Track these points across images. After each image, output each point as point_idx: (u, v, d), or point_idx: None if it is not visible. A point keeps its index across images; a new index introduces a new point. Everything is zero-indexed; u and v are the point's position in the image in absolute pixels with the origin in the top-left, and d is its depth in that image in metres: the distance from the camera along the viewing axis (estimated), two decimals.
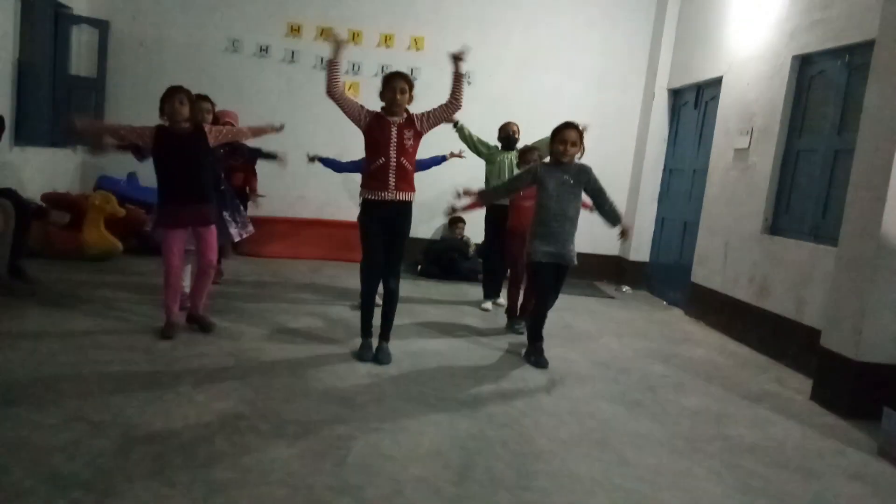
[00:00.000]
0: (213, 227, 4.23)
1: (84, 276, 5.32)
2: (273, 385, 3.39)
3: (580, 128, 4.24)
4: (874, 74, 3.95)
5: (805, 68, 5.23)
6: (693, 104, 7.11)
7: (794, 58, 5.24)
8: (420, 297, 5.96)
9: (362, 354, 4.00)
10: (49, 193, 6.05)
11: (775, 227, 5.38)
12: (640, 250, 7.78)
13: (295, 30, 7.36)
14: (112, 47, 7.01)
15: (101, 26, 6.88)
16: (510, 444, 2.98)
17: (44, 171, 6.35)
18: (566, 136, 4.19)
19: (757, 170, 5.56)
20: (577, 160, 4.28)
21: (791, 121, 5.32)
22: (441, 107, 4.05)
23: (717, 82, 6.45)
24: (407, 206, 4.02)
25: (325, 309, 5.16)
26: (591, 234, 6.07)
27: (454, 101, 4.05)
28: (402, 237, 4.06)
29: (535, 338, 4.29)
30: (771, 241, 5.30)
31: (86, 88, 6.87)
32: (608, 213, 4.27)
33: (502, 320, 5.33)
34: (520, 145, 5.95)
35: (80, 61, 6.92)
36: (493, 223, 5.78)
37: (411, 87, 4.03)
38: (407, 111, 4.06)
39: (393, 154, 3.94)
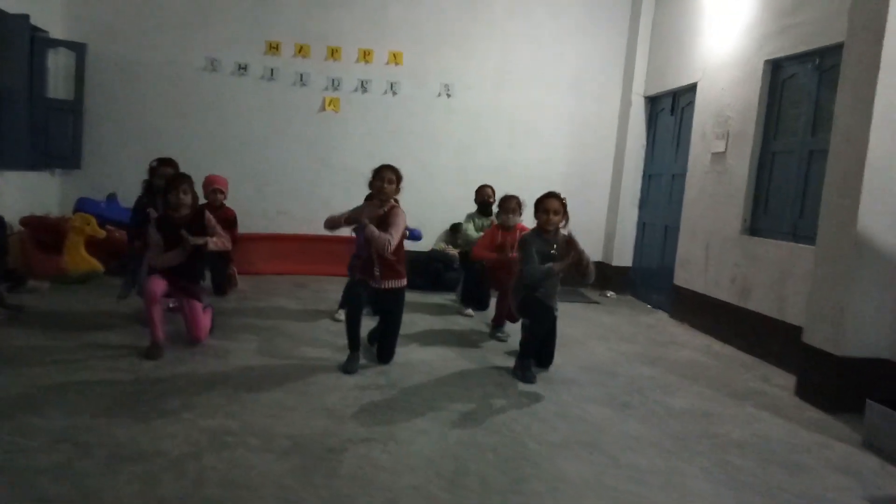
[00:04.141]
0: (199, 304, 4.26)
1: (66, 299, 5.26)
2: (261, 400, 3.37)
3: (562, 197, 4.25)
4: (844, 77, 4.05)
5: (777, 72, 5.34)
6: (669, 110, 7.22)
7: (766, 62, 5.36)
8: (407, 308, 5.92)
9: (349, 367, 3.99)
10: (28, 217, 5.99)
11: (754, 227, 5.47)
12: (622, 255, 7.86)
13: (273, 47, 7.38)
14: (90, 69, 6.98)
15: (79, 49, 6.85)
16: (501, 450, 2.98)
17: (22, 194, 6.29)
18: (549, 205, 4.20)
19: (734, 172, 5.65)
20: (561, 229, 4.28)
21: (766, 123, 5.42)
22: (380, 236, 3.97)
23: (692, 88, 6.57)
24: (397, 291, 4.18)
25: (311, 323, 5.15)
26: None
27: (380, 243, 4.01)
28: (395, 318, 4.22)
29: (525, 355, 4.19)
30: (751, 242, 5.38)
31: (63, 111, 6.81)
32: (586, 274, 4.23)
33: (488, 328, 5.35)
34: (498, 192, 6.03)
35: (58, 84, 6.87)
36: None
37: (399, 178, 4.11)
38: (395, 201, 4.14)
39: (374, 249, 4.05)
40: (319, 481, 2.55)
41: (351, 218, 4.14)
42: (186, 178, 4.23)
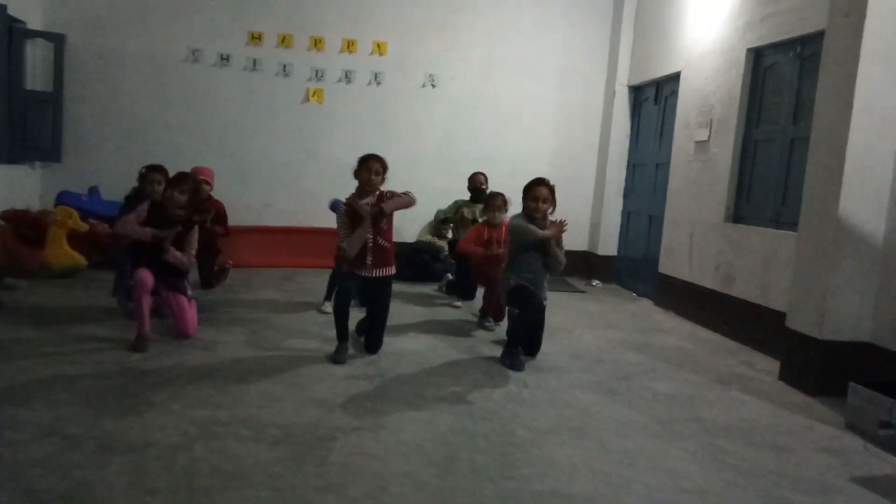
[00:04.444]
0: (185, 299, 4.25)
1: (50, 293, 5.20)
2: (250, 391, 3.37)
3: (550, 184, 4.27)
4: (825, 64, 4.10)
5: (759, 60, 5.39)
6: (653, 100, 7.26)
7: (749, 51, 5.40)
8: (393, 299, 5.91)
9: (338, 357, 3.99)
10: (9, 211, 5.91)
11: (737, 215, 5.53)
12: (608, 245, 7.92)
13: (256, 38, 7.31)
14: (69, 61, 6.87)
15: (57, 40, 6.74)
16: (491, 437, 3.00)
17: (3, 188, 6.19)
18: (538, 192, 4.23)
19: (717, 161, 5.70)
20: (549, 216, 4.31)
21: (748, 112, 5.48)
22: (400, 197, 4.12)
23: (675, 77, 6.60)
24: (386, 280, 4.22)
25: (298, 315, 5.13)
26: None
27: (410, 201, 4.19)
28: (383, 308, 4.25)
29: (513, 343, 4.21)
30: (734, 230, 5.44)
31: (42, 103, 6.71)
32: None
33: (475, 319, 5.37)
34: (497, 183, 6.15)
35: (36, 76, 6.77)
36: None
37: (385, 168, 4.15)
38: (379, 190, 4.16)
39: (369, 235, 4.07)
40: (310, 470, 2.56)
41: (354, 236, 4.07)
42: (188, 179, 4.25)
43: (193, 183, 4.29)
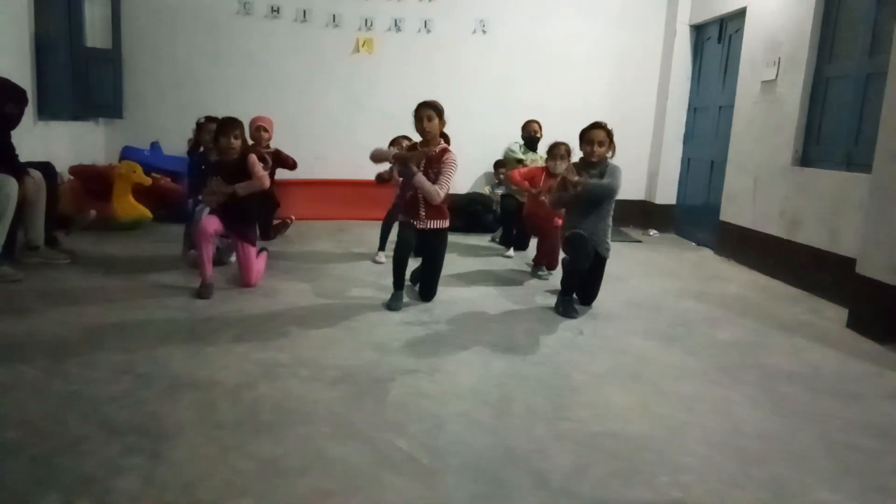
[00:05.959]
0: (253, 249, 4.36)
1: (117, 245, 5.42)
2: (309, 335, 3.46)
3: (608, 127, 4.15)
4: None
5: None
6: (717, 39, 6.91)
7: None
8: (447, 249, 5.94)
9: (394, 305, 4.04)
10: (76, 166, 6.13)
11: (806, 158, 5.27)
12: (666, 193, 7.69)
13: None
14: (125, 17, 6.99)
15: None
16: (546, 380, 3.01)
17: (69, 144, 6.41)
18: (593, 136, 4.13)
19: (785, 101, 5.41)
20: (609, 160, 4.19)
21: (819, 47, 5.15)
22: (433, 180, 4.07)
23: (740, 14, 6.25)
24: (440, 231, 4.23)
25: (354, 265, 5.21)
26: None
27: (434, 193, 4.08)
28: (438, 258, 4.26)
29: (566, 291, 4.18)
30: (802, 173, 5.19)
31: (103, 60, 6.87)
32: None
33: (529, 269, 5.33)
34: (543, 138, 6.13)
35: (95, 33, 6.91)
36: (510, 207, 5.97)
37: (439, 112, 4.10)
38: (446, 141, 4.19)
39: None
40: (369, 408, 2.62)
41: (400, 158, 4.13)
42: (238, 124, 4.30)
43: (241, 125, 4.32)
